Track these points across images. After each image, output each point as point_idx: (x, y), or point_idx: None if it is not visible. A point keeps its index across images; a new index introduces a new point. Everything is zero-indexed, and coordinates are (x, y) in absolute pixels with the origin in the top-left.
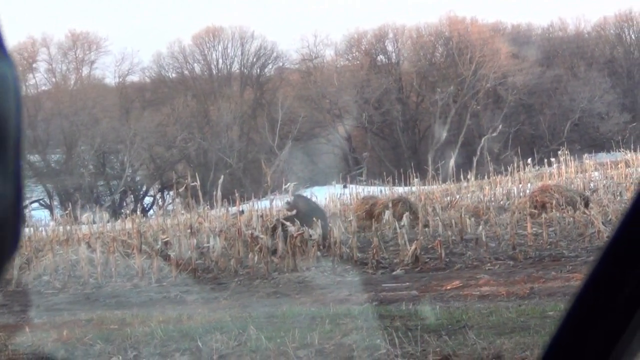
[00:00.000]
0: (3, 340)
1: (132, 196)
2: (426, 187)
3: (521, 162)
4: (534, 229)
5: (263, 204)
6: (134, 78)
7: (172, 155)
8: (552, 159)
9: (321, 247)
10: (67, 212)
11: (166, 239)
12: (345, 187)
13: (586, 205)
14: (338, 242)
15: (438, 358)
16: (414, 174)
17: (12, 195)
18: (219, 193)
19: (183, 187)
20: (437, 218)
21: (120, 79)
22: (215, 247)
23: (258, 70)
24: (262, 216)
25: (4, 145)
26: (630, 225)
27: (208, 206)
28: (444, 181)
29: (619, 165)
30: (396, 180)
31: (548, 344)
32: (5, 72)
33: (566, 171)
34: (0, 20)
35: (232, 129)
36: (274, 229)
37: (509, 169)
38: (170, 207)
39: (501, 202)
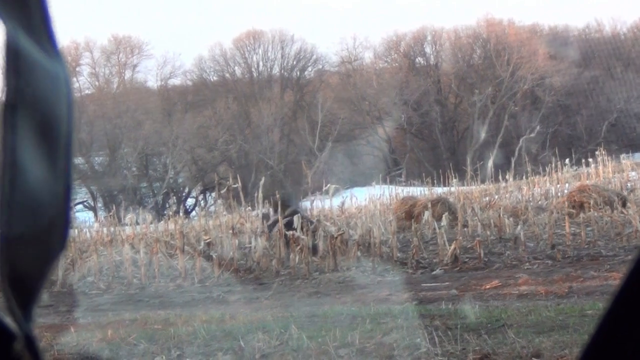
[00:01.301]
0: (49, 340)
1: (174, 198)
2: (465, 187)
3: (559, 163)
4: (572, 229)
5: (304, 205)
6: (176, 81)
7: (213, 157)
8: (590, 159)
9: (360, 247)
10: (110, 213)
11: (208, 240)
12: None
13: (624, 204)
14: (378, 243)
15: (478, 357)
16: (453, 175)
17: (62, 194)
18: (260, 194)
19: (225, 189)
20: (476, 218)
21: (162, 82)
22: (256, 248)
23: (298, 73)
24: (302, 217)
25: (56, 144)
26: None
27: (249, 207)
28: (483, 181)
29: None
30: (435, 181)
31: (587, 343)
32: (57, 72)
33: (604, 171)
34: (54, 23)
35: (272, 131)
36: (315, 229)
37: (547, 169)
38: (212, 209)
39: (539, 202)
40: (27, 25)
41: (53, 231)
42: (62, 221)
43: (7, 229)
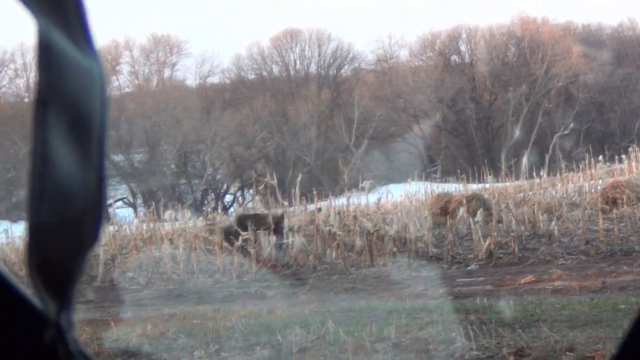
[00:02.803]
0: (89, 334)
1: (213, 194)
2: (499, 184)
3: (592, 159)
4: (605, 225)
5: (340, 202)
6: (214, 79)
7: (251, 155)
8: (623, 156)
9: (396, 242)
10: (150, 210)
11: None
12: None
13: None
14: (414, 238)
15: (512, 351)
16: (488, 171)
17: (94, 186)
18: (297, 191)
19: (262, 186)
20: (511, 214)
21: (201, 81)
22: (294, 244)
23: (335, 71)
24: (339, 213)
25: (88, 138)
26: None
27: (287, 204)
28: (517, 178)
29: None
30: (470, 178)
31: (624, 338)
32: (91, 67)
33: (637, 167)
34: (90, 20)
35: (309, 129)
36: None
37: (581, 165)
38: (250, 205)
39: (573, 199)
40: (60, 22)
41: (84, 222)
42: (95, 213)
43: (36, 218)
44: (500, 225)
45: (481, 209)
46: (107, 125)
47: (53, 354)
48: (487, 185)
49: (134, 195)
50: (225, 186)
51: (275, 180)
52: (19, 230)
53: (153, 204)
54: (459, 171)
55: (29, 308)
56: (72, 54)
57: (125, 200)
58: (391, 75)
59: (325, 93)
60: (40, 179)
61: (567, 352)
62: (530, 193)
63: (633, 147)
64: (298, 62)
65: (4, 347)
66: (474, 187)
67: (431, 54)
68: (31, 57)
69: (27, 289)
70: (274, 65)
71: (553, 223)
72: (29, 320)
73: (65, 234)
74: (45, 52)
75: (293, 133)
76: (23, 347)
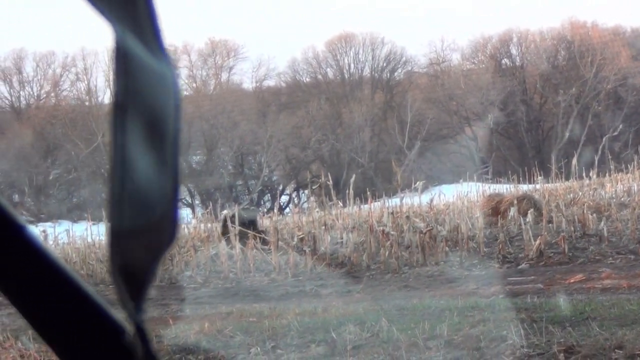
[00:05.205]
0: (149, 332)
1: (269, 195)
2: (550, 184)
3: None
4: None
5: (393, 202)
6: (270, 83)
7: (306, 156)
8: None
9: (448, 242)
10: (207, 210)
11: (302, 236)
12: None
13: None
14: (465, 238)
15: (562, 348)
16: (538, 172)
17: (171, 189)
18: (351, 191)
19: (317, 186)
20: (561, 214)
21: (257, 84)
22: (348, 243)
23: (388, 75)
24: (392, 213)
25: (164, 142)
26: None
27: (341, 204)
28: (567, 179)
29: None
30: (521, 179)
31: None
32: (164, 72)
33: None
34: (160, 23)
35: (363, 131)
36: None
37: (630, 167)
38: (305, 205)
39: (622, 199)
40: (134, 26)
41: (162, 225)
42: (171, 216)
43: (118, 223)
44: (550, 225)
45: (532, 209)
46: (181, 129)
47: (128, 354)
48: (538, 186)
49: (192, 196)
50: (281, 187)
51: (331, 181)
52: (79, 230)
53: (210, 204)
54: (509, 172)
55: (99, 311)
56: (146, 59)
57: (183, 200)
58: (443, 79)
59: (379, 96)
60: (121, 185)
61: (616, 350)
62: (580, 194)
63: None
64: (352, 65)
65: (78, 350)
66: (524, 187)
67: (483, 57)
68: (91, 61)
69: (92, 290)
70: (328, 69)
71: (602, 223)
72: (102, 324)
73: (145, 237)
74: (122, 58)
75: (347, 135)
76: (95, 349)
